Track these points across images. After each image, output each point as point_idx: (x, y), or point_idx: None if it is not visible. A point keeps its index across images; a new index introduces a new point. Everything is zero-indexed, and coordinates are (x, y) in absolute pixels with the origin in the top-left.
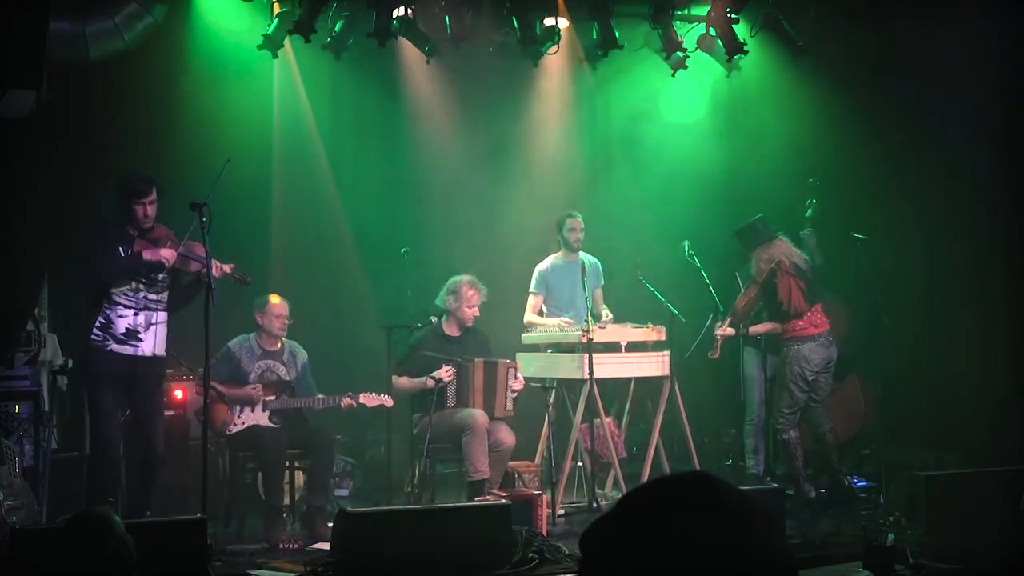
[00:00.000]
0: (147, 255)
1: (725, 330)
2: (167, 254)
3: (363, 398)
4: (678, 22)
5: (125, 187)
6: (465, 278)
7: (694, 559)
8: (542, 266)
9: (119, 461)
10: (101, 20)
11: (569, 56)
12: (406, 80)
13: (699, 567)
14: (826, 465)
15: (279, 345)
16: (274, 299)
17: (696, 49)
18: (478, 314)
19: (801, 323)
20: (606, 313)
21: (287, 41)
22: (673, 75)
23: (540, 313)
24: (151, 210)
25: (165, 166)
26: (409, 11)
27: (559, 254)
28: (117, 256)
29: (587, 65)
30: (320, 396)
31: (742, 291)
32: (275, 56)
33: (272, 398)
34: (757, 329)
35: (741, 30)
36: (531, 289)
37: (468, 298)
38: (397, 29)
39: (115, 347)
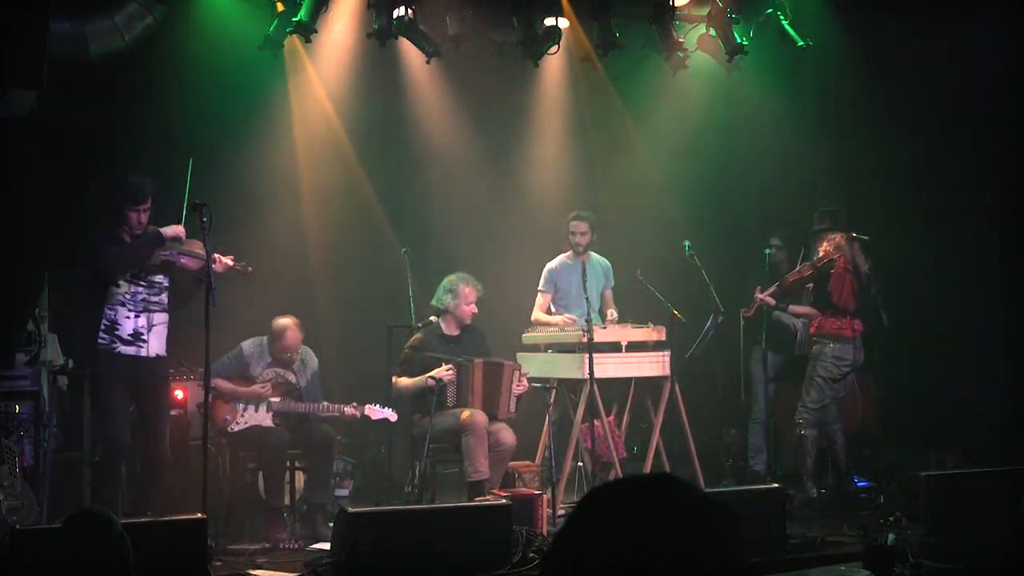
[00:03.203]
0: (165, 230)
1: (766, 297)
2: (180, 229)
3: (368, 410)
4: (678, 22)
5: (122, 191)
6: (461, 276)
7: (647, 556)
8: (551, 265)
9: (123, 462)
10: (101, 20)
11: (570, 56)
12: (406, 80)
13: (652, 564)
14: (833, 464)
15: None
16: (290, 334)
17: (696, 49)
18: (476, 311)
19: (840, 323)
20: (611, 314)
21: (287, 42)
22: (673, 75)
23: (548, 312)
24: (144, 218)
25: (165, 166)
26: (409, 11)
27: (568, 253)
28: (127, 244)
29: (589, 65)
30: (324, 403)
31: (796, 267)
32: (275, 56)
33: (277, 399)
34: (796, 310)
35: (741, 30)
36: (539, 287)
37: (466, 295)
38: (397, 29)
39: (122, 349)
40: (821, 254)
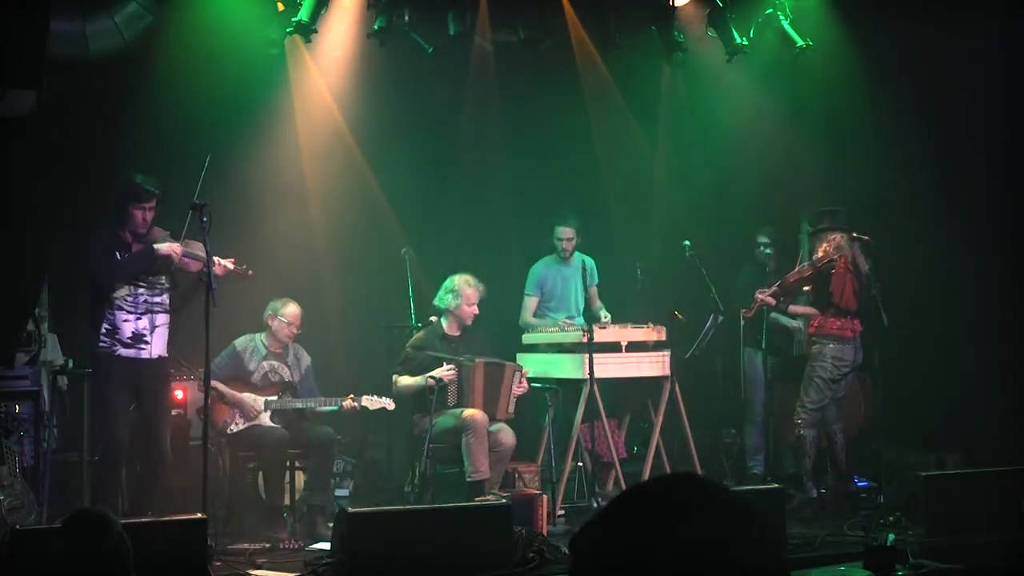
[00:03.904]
0: (159, 248)
1: (766, 297)
2: (176, 248)
3: (365, 400)
4: (678, 22)
5: (128, 189)
6: (463, 276)
7: (685, 559)
8: (537, 267)
9: (124, 463)
10: (101, 19)
11: (571, 56)
12: (406, 80)
13: (690, 567)
14: (832, 464)
15: (285, 347)
16: (291, 307)
17: (696, 49)
18: (477, 312)
19: (839, 323)
20: (605, 314)
21: (288, 42)
22: (673, 75)
23: (534, 315)
24: (150, 216)
25: (165, 166)
26: (410, 11)
27: (554, 256)
28: (121, 258)
29: (594, 64)
30: (322, 398)
31: (796, 267)
32: (276, 56)
33: (274, 397)
34: (796, 310)
35: (741, 30)
36: (526, 291)
37: (468, 296)
38: (398, 29)
39: (123, 352)
40: (821, 254)
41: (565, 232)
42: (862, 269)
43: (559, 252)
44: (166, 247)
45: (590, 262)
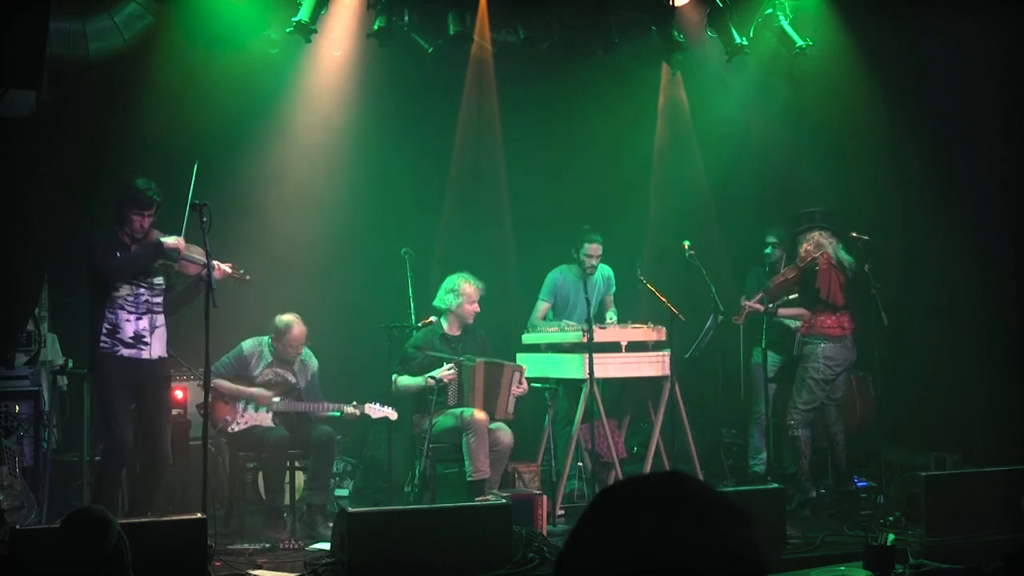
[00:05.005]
0: (166, 240)
1: (754, 304)
2: (181, 241)
3: (368, 408)
4: (678, 23)
5: (130, 194)
6: (462, 275)
7: (661, 558)
8: (554, 275)
9: (125, 464)
10: (101, 19)
11: (571, 56)
12: (406, 81)
13: (666, 566)
14: (833, 464)
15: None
16: (295, 330)
17: (697, 49)
18: (478, 310)
19: (830, 321)
20: (611, 315)
21: (287, 42)
22: (674, 76)
23: (545, 319)
24: (148, 223)
25: (165, 166)
26: (410, 11)
27: (573, 267)
28: (124, 255)
29: (594, 64)
30: (325, 403)
31: (780, 271)
32: (275, 57)
33: (277, 399)
34: (787, 312)
35: (741, 30)
36: (540, 296)
37: (469, 295)
38: (398, 29)
39: (124, 352)
40: (803, 254)
41: (595, 249)
42: (846, 265)
43: (583, 267)
44: (172, 239)
45: (609, 271)
